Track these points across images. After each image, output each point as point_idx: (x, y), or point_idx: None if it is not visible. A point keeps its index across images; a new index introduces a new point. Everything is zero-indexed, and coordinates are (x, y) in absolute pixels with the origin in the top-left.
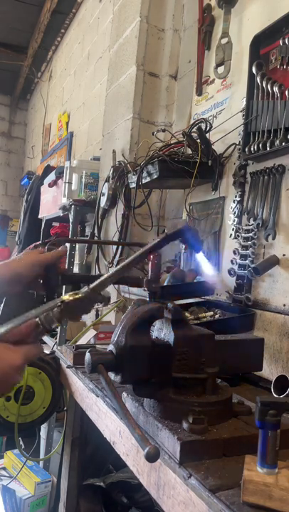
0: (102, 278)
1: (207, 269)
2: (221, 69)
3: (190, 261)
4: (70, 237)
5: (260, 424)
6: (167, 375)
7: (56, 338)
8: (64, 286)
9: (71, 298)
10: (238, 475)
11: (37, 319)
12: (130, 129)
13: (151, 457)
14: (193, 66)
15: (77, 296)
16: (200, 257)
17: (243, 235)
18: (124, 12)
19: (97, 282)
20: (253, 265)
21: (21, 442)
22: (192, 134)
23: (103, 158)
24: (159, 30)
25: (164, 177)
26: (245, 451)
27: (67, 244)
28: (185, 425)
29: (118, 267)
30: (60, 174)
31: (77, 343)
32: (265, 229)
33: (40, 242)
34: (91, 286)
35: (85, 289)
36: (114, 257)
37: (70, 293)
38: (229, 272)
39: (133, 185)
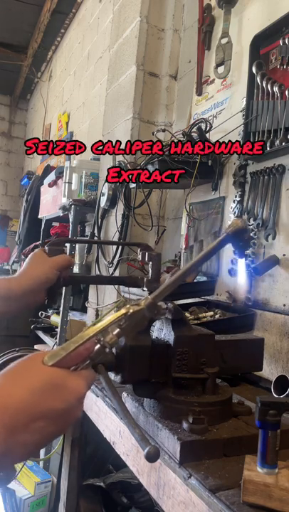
0: (162, 287)
1: (241, 279)
2: (221, 69)
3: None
4: (70, 237)
5: (260, 424)
6: (167, 375)
7: (56, 338)
8: (64, 288)
9: (132, 310)
10: (238, 475)
11: (95, 339)
12: (130, 129)
13: (151, 457)
14: (193, 66)
15: (139, 308)
16: (241, 263)
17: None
18: (124, 12)
19: (157, 292)
20: (253, 265)
21: None
22: (192, 133)
23: (103, 158)
24: (159, 30)
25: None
26: (245, 451)
27: (67, 245)
28: (185, 425)
29: (178, 273)
30: (60, 174)
31: None
32: (265, 229)
33: (40, 242)
34: (151, 295)
35: (143, 299)
36: (114, 257)
37: (127, 305)
38: (229, 271)
39: (133, 185)
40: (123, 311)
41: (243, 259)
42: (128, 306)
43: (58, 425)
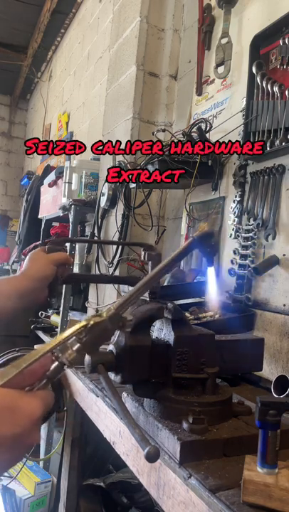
0: (125, 296)
1: (212, 288)
2: (221, 69)
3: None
4: (70, 237)
5: (260, 424)
6: (167, 375)
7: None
8: (64, 286)
9: (93, 321)
10: (238, 475)
11: (52, 354)
12: (130, 129)
13: (151, 457)
14: (193, 66)
15: (101, 320)
16: (210, 271)
17: (243, 234)
18: (124, 12)
19: (120, 301)
20: (253, 265)
21: None
22: (192, 133)
23: (103, 158)
24: (159, 30)
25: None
26: (245, 451)
27: (67, 245)
28: (185, 425)
29: (141, 282)
30: (60, 174)
31: None
32: (265, 229)
33: (40, 242)
34: (114, 305)
35: (106, 310)
36: (114, 257)
37: (87, 317)
38: (229, 271)
39: (133, 185)
40: (83, 323)
41: (212, 268)
42: (89, 317)
43: (10, 453)
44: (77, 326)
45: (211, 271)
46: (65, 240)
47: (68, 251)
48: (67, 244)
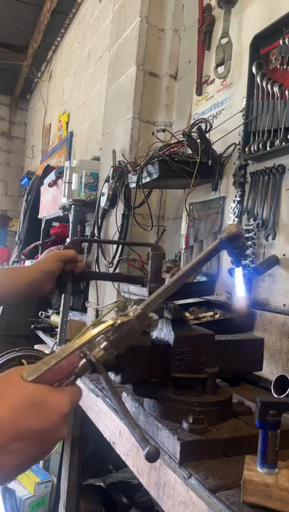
0: (152, 296)
1: (240, 288)
2: (221, 69)
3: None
4: (69, 237)
5: (260, 424)
6: (167, 375)
7: (56, 338)
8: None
9: (120, 321)
10: (238, 475)
11: (80, 352)
12: (130, 129)
13: (151, 457)
14: (193, 66)
15: (128, 319)
16: (238, 272)
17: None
18: (124, 12)
19: (147, 301)
20: (253, 265)
21: None
22: (192, 133)
23: (103, 158)
24: (159, 30)
25: (164, 177)
26: (245, 451)
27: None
28: (185, 425)
29: (170, 282)
30: (60, 174)
31: None
32: (265, 229)
33: (40, 242)
34: (141, 305)
35: (132, 310)
36: (114, 257)
37: (114, 316)
38: (229, 271)
39: (133, 185)
40: (111, 321)
41: (241, 268)
42: (116, 316)
43: (39, 447)
44: (104, 325)
45: (238, 271)
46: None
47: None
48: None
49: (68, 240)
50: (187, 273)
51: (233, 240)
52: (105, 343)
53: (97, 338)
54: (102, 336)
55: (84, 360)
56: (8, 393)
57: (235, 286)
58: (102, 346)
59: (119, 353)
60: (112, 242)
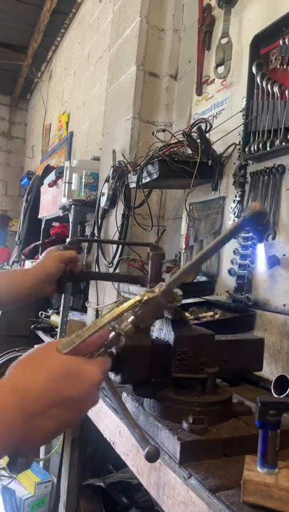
0: (177, 273)
1: (261, 263)
2: (221, 69)
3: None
4: (70, 237)
5: (260, 424)
6: (167, 375)
7: (56, 338)
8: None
9: (147, 297)
10: (238, 475)
11: (110, 326)
12: (130, 129)
13: (151, 457)
14: (193, 66)
15: (154, 295)
16: (260, 247)
17: (243, 235)
18: (124, 12)
19: (172, 278)
20: (253, 265)
21: None
22: (192, 133)
23: (103, 158)
24: (159, 30)
25: (164, 177)
26: (245, 451)
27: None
28: (185, 425)
29: (193, 260)
30: (60, 174)
31: None
32: None
33: (40, 242)
34: (166, 282)
35: (158, 286)
36: (114, 257)
37: (142, 292)
38: (229, 271)
39: (133, 185)
40: (138, 298)
41: (263, 244)
42: (143, 293)
43: (75, 412)
44: (132, 301)
45: (260, 247)
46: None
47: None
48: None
49: (68, 240)
50: (210, 251)
51: (256, 218)
52: (133, 317)
53: (126, 313)
54: (130, 311)
55: (113, 333)
56: (45, 364)
57: (257, 262)
58: (129, 320)
59: (146, 326)
60: (111, 242)
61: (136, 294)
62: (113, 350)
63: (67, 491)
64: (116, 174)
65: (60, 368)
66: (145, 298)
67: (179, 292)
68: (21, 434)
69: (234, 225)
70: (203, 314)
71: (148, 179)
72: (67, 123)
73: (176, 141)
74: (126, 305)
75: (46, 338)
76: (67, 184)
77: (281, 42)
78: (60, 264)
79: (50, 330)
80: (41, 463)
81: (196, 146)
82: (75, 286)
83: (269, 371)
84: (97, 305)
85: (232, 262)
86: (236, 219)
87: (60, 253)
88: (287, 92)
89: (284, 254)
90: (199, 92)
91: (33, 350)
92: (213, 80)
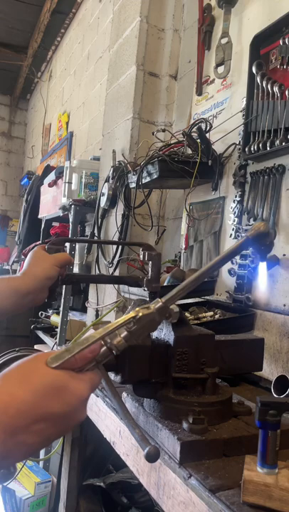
0: (174, 290)
1: (262, 284)
2: (221, 69)
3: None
4: (70, 237)
5: (260, 424)
6: (167, 375)
7: (56, 338)
8: (64, 287)
9: (142, 313)
10: (238, 475)
11: (102, 341)
12: (130, 129)
13: (151, 457)
14: (193, 66)
15: (149, 312)
16: (262, 266)
17: (243, 234)
18: (124, 12)
19: (169, 295)
20: (253, 265)
21: None
22: (192, 133)
23: (103, 158)
24: (159, 30)
25: (164, 177)
26: (245, 451)
27: (67, 245)
28: (185, 425)
29: (192, 277)
30: (60, 174)
31: None
32: None
33: (40, 242)
34: (163, 298)
35: (154, 302)
36: (114, 257)
37: (137, 308)
38: (229, 271)
39: (133, 185)
40: (132, 314)
41: (265, 263)
42: (138, 309)
43: (59, 428)
44: (127, 317)
45: (262, 266)
46: (66, 239)
47: (68, 251)
48: (67, 244)
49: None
50: (209, 270)
51: (259, 239)
52: (126, 332)
53: (119, 329)
54: (124, 326)
55: (104, 347)
56: (32, 378)
57: (258, 280)
58: (122, 336)
59: (138, 342)
60: (101, 242)
61: (136, 294)
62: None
63: (67, 491)
64: (116, 174)
65: (46, 382)
66: (140, 314)
67: (176, 309)
68: (1, 450)
69: (237, 244)
70: (203, 314)
71: (148, 179)
72: (67, 123)
73: (176, 141)
74: (120, 320)
75: (46, 338)
76: (67, 184)
77: (281, 42)
78: (58, 268)
79: (50, 330)
80: (41, 463)
81: (196, 146)
82: (75, 287)
83: (269, 371)
84: (97, 305)
85: (232, 261)
86: (236, 219)
87: (55, 256)
88: (287, 92)
89: (284, 254)
90: (199, 92)
91: (21, 361)
92: (213, 79)
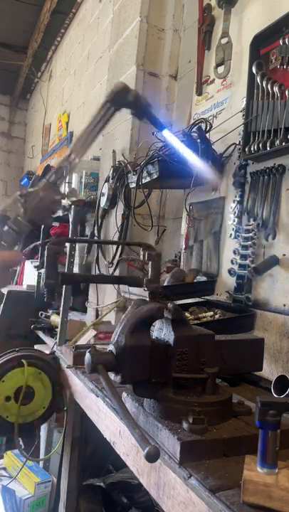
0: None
1: (189, 155)
2: (221, 69)
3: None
4: (70, 237)
5: (260, 424)
6: (167, 375)
7: (56, 338)
8: (64, 287)
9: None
10: (238, 475)
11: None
12: (130, 128)
13: (152, 457)
14: (193, 66)
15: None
16: (167, 134)
17: (243, 235)
18: (124, 12)
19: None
20: (253, 265)
21: (21, 442)
22: (192, 133)
23: (103, 158)
24: (159, 30)
25: (164, 177)
26: (245, 451)
27: (67, 245)
28: (185, 425)
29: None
30: None
31: (77, 343)
32: (265, 229)
33: (40, 242)
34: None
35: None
36: (114, 257)
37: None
38: (229, 271)
39: (133, 185)
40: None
41: (167, 130)
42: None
43: None
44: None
45: (167, 134)
46: (66, 239)
47: (68, 251)
48: (67, 244)
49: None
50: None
51: (120, 98)
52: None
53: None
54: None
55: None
56: None
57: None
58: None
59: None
60: (100, 242)
61: (136, 294)
62: (113, 350)
63: (67, 491)
64: (116, 174)
65: None
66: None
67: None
68: None
69: (98, 110)
70: (203, 314)
71: (148, 179)
72: (67, 123)
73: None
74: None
75: (46, 338)
76: (67, 184)
77: (281, 42)
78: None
79: (50, 330)
80: (41, 463)
81: (196, 146)
82: (75, 287)
83: (269, 371)
84: (97, 305)
85: (232, 262)
86: (236, 219)
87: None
88: (287, 92)
89: (284, 254)
90: (199, 92)
91: None
92: (213, 79)
